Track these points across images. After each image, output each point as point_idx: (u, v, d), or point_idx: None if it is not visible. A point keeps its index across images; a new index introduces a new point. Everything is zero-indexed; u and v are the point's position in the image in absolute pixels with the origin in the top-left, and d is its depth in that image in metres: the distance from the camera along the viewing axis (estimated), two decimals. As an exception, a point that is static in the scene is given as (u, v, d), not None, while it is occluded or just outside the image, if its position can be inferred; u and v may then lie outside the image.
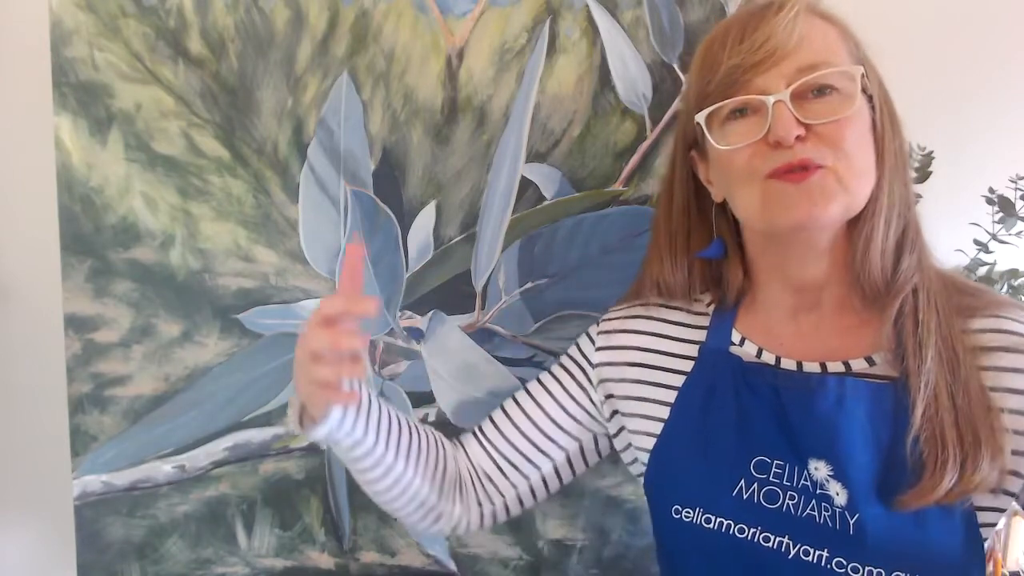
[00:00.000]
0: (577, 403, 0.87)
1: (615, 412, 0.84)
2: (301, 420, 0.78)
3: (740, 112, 0.70)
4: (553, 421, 0.87)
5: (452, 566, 1.07)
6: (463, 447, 0.90)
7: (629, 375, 0.83)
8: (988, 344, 0.70)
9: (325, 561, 1.08)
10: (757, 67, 0.68)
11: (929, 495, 0.65)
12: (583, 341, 0.88)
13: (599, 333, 0.87)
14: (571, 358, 0.89)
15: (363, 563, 1.08)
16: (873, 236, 0.70)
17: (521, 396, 0.89)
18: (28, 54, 1.02)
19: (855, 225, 0.71)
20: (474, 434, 0.90)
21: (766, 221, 0.71)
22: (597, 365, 0.85)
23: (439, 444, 0.88)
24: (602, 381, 0.85)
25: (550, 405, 0.87)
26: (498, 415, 0.90)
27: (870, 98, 0.71)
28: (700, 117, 0.72)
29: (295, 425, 0.78)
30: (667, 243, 0.82)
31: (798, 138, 0.67)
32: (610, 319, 0.87)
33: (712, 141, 0.72)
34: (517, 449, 0.87)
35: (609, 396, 0.85)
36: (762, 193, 0.69)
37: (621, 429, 0.85)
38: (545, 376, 0.90)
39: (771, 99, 0.67)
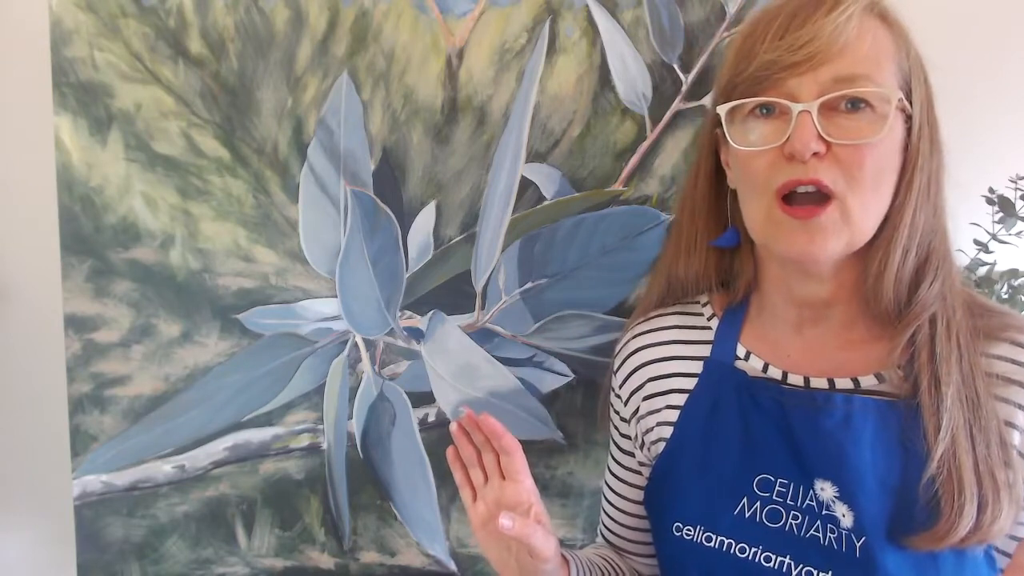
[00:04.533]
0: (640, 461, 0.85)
1: (647, 431, 0.82)
2: None
3: (766, 110, 0.66)
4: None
5: (452, 566, 1.07)
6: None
7: (646, 391, 0.81)
8: (1004, 374, 0.67)
9: (325, 561, 1.08)
10: (792, 68, 0.64)
11: (943, 540, 0.63)
12: (612, 397, 0.86)
13: (616, 371, 0.85)
14: (612, 423, 0.87)
15: (363, 563, 1.08)
16: (888, 265, 0.67)
17: (608, 493, 0.88)
18: (28, 54, 1.02)
19: (868, 251, 0.68)
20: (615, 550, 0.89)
21: (764, 240, 0.69)
22: (627, 401, 0.83)
23: (631, 568, 0.87)
24: (634, 414, 0.82)
25: (633, 479, 0.85)
26: (607, 521, 0.88)
27: (908, 117, 0.67)
28: (723, 109, 0.68)
29: None
30: (689, 227, 0.78)
31: (815, 154, 0.63)
32: (618, 352, 0.85)
33: (730, 138, 0.68)
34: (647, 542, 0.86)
35: (640, 420, 0.82)
36: (767, 213, 0.67)
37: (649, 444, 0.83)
38: (611, 462, 0.88)
39: (797, 107, 0.63)
